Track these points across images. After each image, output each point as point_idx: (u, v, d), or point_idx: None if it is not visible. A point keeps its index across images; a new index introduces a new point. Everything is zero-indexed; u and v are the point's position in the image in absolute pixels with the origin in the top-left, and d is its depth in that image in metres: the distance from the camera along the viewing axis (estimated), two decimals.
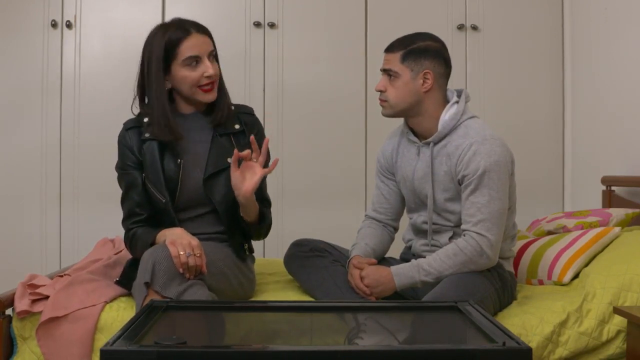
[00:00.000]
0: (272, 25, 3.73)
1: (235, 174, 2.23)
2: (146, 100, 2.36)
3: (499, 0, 3.84)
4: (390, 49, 2.37)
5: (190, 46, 2.27)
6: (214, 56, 2.35)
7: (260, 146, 2.26)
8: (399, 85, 2.34)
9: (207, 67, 2.29)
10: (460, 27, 3.79)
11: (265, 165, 2.28)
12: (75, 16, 3.67)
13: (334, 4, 3.79)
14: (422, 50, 2.35)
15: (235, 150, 2.22)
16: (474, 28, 3.80)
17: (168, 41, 2.27)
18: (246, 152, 2.22)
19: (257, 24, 3.72)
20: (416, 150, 2.42)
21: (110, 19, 3.70)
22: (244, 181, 2.23)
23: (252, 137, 2.25)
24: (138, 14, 3.70)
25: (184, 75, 2.29)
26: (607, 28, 3.45)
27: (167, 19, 3.57)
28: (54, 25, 3.65)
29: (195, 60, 2.28)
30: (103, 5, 3.70)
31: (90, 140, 3.66)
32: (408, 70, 2.33)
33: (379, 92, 2.39)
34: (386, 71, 2.36)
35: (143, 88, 2.35)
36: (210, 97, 2.34)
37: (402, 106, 2.36)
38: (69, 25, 3.66)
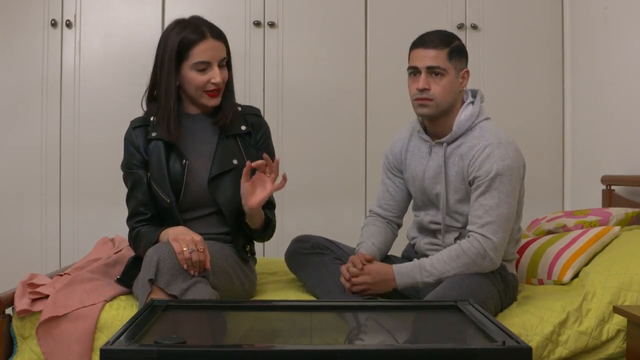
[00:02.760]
0: (272, 25, 3.73)
1: (245, 185, 2.23)
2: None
3: (498, 0, 3.84)
4: (432, 45, 2.29)
5: (202, 50, 2.27)
6: (225, 63, 2.34)
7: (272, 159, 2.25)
8: (445, 83, 2.30)
9: (215, 74, 2.29)
10: (460, 27, 3.79)
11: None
12: (75, 15, 3.67)
13: (334, 4, 3.79)
14: (461, 49, 2.35)
15: (249, 162, 2.21)
16: (474, 27, 3.80)
17: (182, 40, 2.27)
18: (259, 162, 2.20)
19: (257, 24, 3.72)
20: (428, 149, 2.41)
21: (110, 18, 3.70)
22: (253, 194, 2.24)
23: (265, 154, 2.23)
24: (138, 14, 3.71)
25: (191, 77, 2.29)
26: (607, 28, 3.45)
27: (167, 18, 3.63)
28: (54, 24, 3.65)
29: (205, 66, 2.28)
30: (103, 4, 3.70)
31: (90, 139, 3.67)
32: (453, 68, 2.30)
33: (420, 91, 2.30)
34: (431, 68, 2.29)
35: (154, 83, 2.35)
36: (214, 102, 2.34)
37: (445, 105, 2.32)
38: (68, 24, 3.66)
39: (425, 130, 2.42)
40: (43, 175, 3.66)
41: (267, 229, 2.36)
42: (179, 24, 2.32)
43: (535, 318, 2.22)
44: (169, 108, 2.29)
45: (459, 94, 2.36)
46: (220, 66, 2.31)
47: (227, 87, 2.38)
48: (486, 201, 2.25)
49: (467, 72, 2.36)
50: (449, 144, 2.35)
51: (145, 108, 2.39)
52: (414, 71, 2.33)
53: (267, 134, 2.45)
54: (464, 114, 2.34)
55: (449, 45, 2.31)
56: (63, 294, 2.21)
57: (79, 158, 3.67)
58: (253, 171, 2.24)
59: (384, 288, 2.30)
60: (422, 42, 2.32)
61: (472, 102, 2.37)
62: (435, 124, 2.37)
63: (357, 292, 2.30)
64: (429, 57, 2.29)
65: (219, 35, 2.32)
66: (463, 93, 2.39)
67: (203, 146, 2.35)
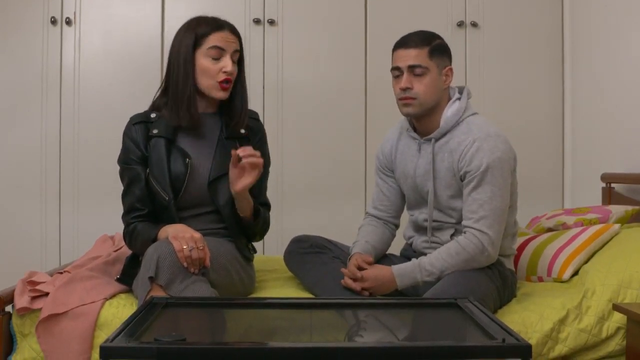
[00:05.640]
0: (271, 23, 3.73)
1: (233, 170, 2.27)
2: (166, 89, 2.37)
3: None
4: (413, 45, 2.31)
5: (217, 38, 2.31)
6: (238, 59, 2.37)
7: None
8: (428, 81, 2.31)
9: (227, 64, 2.32)
10: (460, 24, 3.78)
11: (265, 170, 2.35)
12: (74, 13, 3.67)
13: (334, 2, 3.79)
14: (443, 47, 2.36)
15: (233, 151, 2.25)
16: (474, 25, 3.80)
17: (199, 31, 2.31)
18: (242, 151, 2.23)
19: (257, 21, 3.72)
20: (417, 146, 2.42)
21: (110, 15, 3.70)
22: (239, 178, 2.27)
23: (234, 152, 2.25)
24: (138, 11, 3.70)
25: (204, 65, 2.31)
26: (607, 26, 3.45)
27: (167, 16, 3.63)
28: (54, 22, 3.65)
29: (218, 54, 2.31)
30: (102, 2, 3.69)
31: (89, 137, 3.66)
32: (435, 66, 2.32)
33: (404, 90, 2.31)
34: (412, 67, 2.30)
35: (168, 78, 2.36)
36: (222, 95, 2.35)
37: (429, 104, 2.33)
38: (68, 22, 3.66)
39: (414, 129, 2.43)
40: (43, 173, 3.66)
41: (257, 218, 2.36)
42: (196, 19, 2.36)
43: (535, 315, 2.22)
44: (187, 92, 2.31)
45: (444, 91, 2.36)
46: (232, 60, 2.34)
47: (240, 88, 2.40)
48: (479, 195, 2.26)
49: (451, 69, 2.37)
50: (436, 140, 2.36)
51: (154, 101, 2.40)
52: (397, 72, 2.35)
53: (263, 137, 2.48)
54: (450, 110, 2.35)
55: (429, 43, 2.32)
56: (63, 292, 2.21)
57: (79, 156, 3.67)
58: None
59: (385, 290, 2.30)
60: (403, 42, 2.34)
61: (459, 99, 2.37)
62: (422, 122, 2.39)
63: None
64: (410, 56, 2.31)
65: (235, 31, 2.37)
66: (449, 90, 2.39)
67: (203, 145, 2.36)
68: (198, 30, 2.32)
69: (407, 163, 2.44)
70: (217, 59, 2.31)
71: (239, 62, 2.40)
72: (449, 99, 2.39)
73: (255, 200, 2.37)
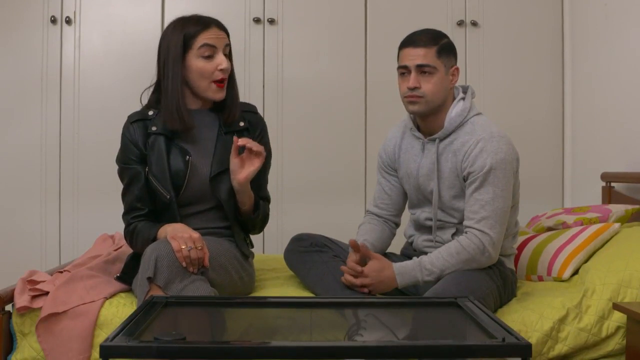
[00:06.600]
0: (271, 22, 3.73)
1: (234, 161, 2.27)
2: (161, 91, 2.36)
3: None
4: (421, 44, 2.31)
5: (207, 36, 2.29)
6: (228, 53, 2.36)
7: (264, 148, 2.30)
8: (436, 81, 2.31)
9: (222, 61, 2.30)
10: (460, 23, 3.78)
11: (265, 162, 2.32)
12: (74, 12, 3.67)
13: (334, 1, 3.79)
14: (450, 47, 2.36)
15: (235, 138, 2.25)
16: (474, 24, 3.80)
17: (187, 31, 2.29)
18: (244, 140, 2.24)
19: (257, 20, 3.72)
20: (421, 146, 2.41)
21: (110, 14, 3.70)
22: (241, 168, 2.27)
23: (236, 139, 2.26)
24: (138, 10, 3.71)
25: (198, 66, 2.29)
26: (607, 24, 3.45)
27: (167, 14, 3.64)
28: (54, 21, 3.65)
29: (210, 51, 2.29)
30: (102, 1, 3.69)
31: (89, 136, 3.67)
32: (442, 65, 2.31)
33: (410, 90, 2.31)
34: (420, 67, 2.30)
35: (159, 80, 2.35)
36: (220, 95, 2.34)
37: (436, 102, 2.33)
38: (68, 21, 3.66)
39: (418, 128, 2.43)
40: (43, 172, 3.67)
41: (256, 210, 2.36)
42: (181, 20, 2.33)
43: (535, 314, 2.22)
44: (178, 98, 2.28)
45: (450, 91, 2.37)
46: (225, 55, 2.33)
47: (231, 82, 2.39)
48: (481, 196, 2.26)
49: (457, 69, 2.37)
50: (441, 140, 2.35)
51: (144, 101, 2.39)
52: (404, 70, 2.34)
53: (264, 130, 2.46)
54: (455, 110, 2.35)
55: (437, 43, 2.32)
56: (63, 291, 2.21)
57: (79, 155, 3.67)
58: (242, 149, 2.27)
59: (385, 288, 2.30)
60: (411, 41, 2.33)
61: (463, 98, 2.38)
62: (427, 121, 2.38)
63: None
64: (418, 55, 2.30)
65: (222, 26, 2.35)
66: (454, 90, 2.39)
67: (203, 142, 2.35)
68: (185, 31, 2.29)
69: (410, 162, 2.44)
70: (209, 57, 2.29)
71: (229, 56, 2.38)
72: (454, 98, 2.39)
73: (256, 194, 2.36)
